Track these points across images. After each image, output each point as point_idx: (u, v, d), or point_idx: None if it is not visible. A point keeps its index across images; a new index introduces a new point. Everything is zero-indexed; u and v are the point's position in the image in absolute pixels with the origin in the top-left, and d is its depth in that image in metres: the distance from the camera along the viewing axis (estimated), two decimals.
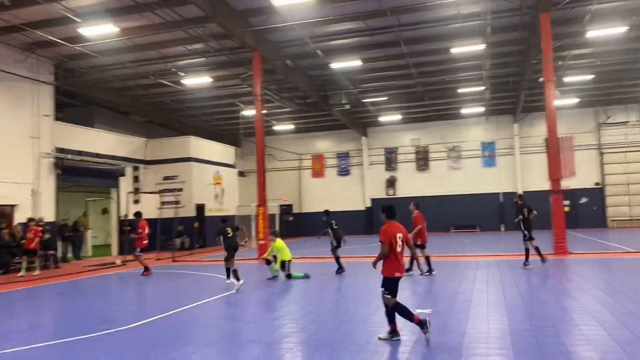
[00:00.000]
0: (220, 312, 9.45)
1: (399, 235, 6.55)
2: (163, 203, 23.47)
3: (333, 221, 14.02)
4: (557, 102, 21.30)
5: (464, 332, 6.81)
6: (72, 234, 21.66)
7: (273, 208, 28.28)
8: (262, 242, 19.50)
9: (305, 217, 35.34)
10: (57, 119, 21.29)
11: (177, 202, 22.35)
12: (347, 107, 26.42)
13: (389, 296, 6.47)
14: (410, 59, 21.80)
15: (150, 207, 23.88)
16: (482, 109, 30.37)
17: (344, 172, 35.87)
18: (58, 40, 17.26)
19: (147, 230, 15.42)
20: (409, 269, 12.33)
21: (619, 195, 30.44)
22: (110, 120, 26.02)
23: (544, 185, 18.86)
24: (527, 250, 13.26)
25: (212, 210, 27.37)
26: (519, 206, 13.58)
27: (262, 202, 20.02)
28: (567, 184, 27.03)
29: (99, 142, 23.51)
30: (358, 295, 10.36)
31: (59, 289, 13.44)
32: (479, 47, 19.16)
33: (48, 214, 19.53)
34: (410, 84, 25.44)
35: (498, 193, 32.57)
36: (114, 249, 23.74)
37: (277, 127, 32.76)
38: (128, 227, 21.58)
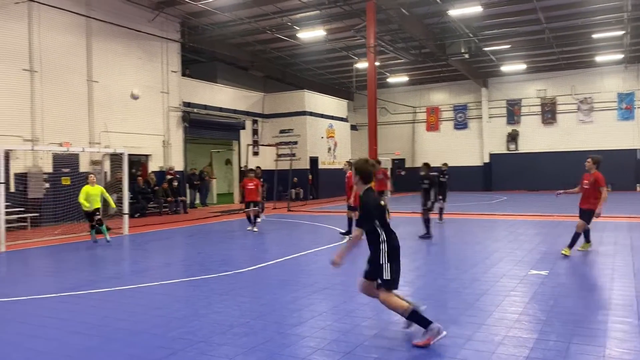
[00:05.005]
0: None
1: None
2: (279, 155, 24.41)
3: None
4: None
5: (583, 297, 6.41)
6: (199, 182, 23.38)
7: (385, 162, 28.19)
8: None
9: (417, 173, 34.80)
10: (184, 74, 22.74)
11: (292, 155, 23.12)
12: (466, 56, 25.13)
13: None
14: (538, 2, 19.99)
15: (267, 159, 25.06)
16: (620, 56, 27.23)
17: (461, 125, 34.52)
18: None
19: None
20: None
21: None
22: (231, 75, 27.25)
23: None
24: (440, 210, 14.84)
25: (325, 163, 27.97)
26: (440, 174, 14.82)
27: (374, 155, 20.01)
28: None
29: (221, 96, 24.83)
30: (470, 254, 10.12)
31: (188, 232, 14.73)
32: None
33: (177, 164, 21.28)
34: (537, 29, 23.42)
35: (635, 149, 29.53)
36: (236, 197, 25.31)
37: (391, 80, 32.16)
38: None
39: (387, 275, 4.79)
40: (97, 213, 12.15)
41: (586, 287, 6.95)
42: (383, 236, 4.80)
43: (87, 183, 12.35)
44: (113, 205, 12.51)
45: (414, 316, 4.84)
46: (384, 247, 4.79)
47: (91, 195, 12.09)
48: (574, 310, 5.86)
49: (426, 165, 12.67)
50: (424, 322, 4.80)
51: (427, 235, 11.80)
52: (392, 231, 4.90)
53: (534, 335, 5.04)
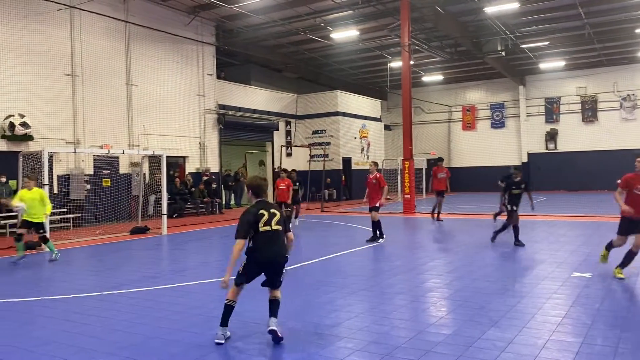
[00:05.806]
0: (366, 262, 9.71)
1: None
2: (312, 156, 24.43)
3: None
4: None
5: (630, 300, 6.17)
6: (234, 183, 23.61)
7: (420, 162, 27.92)
8: (407, 196, 19.50)
9: (454, 172, 34.25)
10: (219, 77, 23.02)
11: (325, 156, 23.13)
12: (503, 54, 24.64)
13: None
14: None
15: (300, 160, 25.13)
16: None
17: (498, 124, 33.87)
18: (217, 2, 18.41)
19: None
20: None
21: None
22: (264, 77, 27.46)
23: None
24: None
25: (358, 163, 27.87)
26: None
27: (408, 155, 19.84)
28: None
29: (255, 98, 25.06)
30: (511, 255, 9.89)
31: (223, 232, 14.89)
32: None
33: (213, 165, 21.57)
34: (577, 25, 22.77)
35: None
36: (270, 197, 25.49)
37: (426, 79, 31.81)
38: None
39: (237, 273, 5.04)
40: (42, 230, 10.28)
41: (633, 290, 6.70)
42: (251, 248, 4.95)
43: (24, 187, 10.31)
44: (48, 211, 10.22)
45: (225, 310, 4.99)
46: (248, 256, 4.98)
47: (27, 201, 9.92)
48: (621, 314, 5.65)
49: (518, 169, 11.72)
50: (223, 320, 4.99)
51: (520, 243, 10.67)
52: (270, 246, 4.93)
53: (578, 339, 4.88)
